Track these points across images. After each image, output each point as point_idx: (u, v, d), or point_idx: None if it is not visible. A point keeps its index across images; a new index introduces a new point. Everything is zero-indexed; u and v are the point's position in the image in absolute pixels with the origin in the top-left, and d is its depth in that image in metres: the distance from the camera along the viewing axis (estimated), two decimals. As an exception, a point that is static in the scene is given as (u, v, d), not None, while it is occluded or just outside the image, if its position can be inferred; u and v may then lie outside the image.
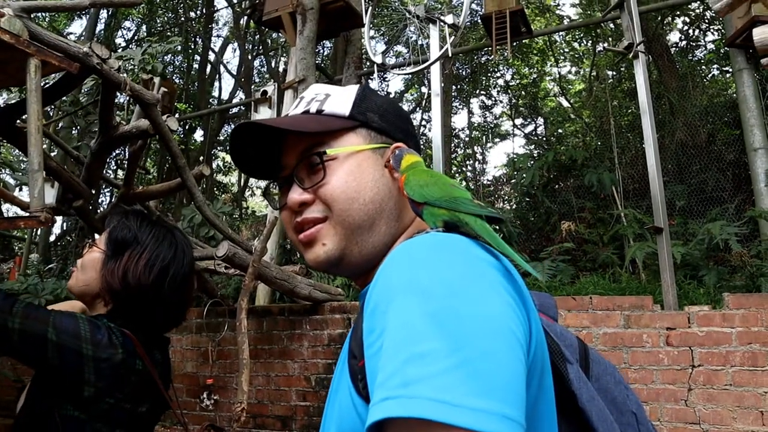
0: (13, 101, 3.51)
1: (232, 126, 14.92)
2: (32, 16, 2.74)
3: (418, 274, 0.63)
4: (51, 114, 6.46)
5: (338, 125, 0.90)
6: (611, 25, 10.32)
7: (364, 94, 0.95)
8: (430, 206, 0.79)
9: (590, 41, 12.67)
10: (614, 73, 11.61)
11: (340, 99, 0.94)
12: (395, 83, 18.05)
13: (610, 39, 11.18)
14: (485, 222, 0.75)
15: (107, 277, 1.56)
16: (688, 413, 3.81)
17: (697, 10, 9.85)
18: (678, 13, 10.17)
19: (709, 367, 3.79)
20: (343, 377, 0.78)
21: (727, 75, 9.78)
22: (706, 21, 9.99)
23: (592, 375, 0.89)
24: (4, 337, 1.36)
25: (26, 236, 10.16)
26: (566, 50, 13.93)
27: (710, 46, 10.47)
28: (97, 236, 1.71)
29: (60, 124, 6.30)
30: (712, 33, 10.28)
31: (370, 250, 0.88)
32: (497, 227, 7.41)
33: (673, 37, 11.51)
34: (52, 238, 11.49)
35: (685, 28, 10.62)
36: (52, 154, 7.10)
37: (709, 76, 10.34)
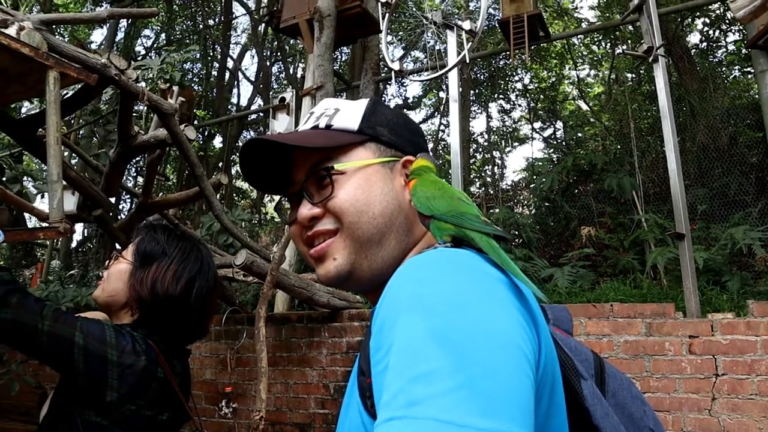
0: (33, 112, 3.56)
1: (251, 132, 15.06)
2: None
3: (424, 291, 0.63)
4: (72, 123, 6.55)
5: (347, 140, 0.90)
6: (630, 27, 10.22)
7: (374, 108, 0.95)
8: (437, 220, 0.79)
9: (609, 44, 12.55)
10: (633, 75, 11.49)
11: (349, 113, 0.94)
12: (413, 88, 18.04)
13: (629, 41, 11.08)
14: (491, 239, 0.75)
15: (136, 286, 1.60)
16: (712, 423, 3.73)
17: (718, 11, 9.71)
18: (698, 14, 10.04)
19: (733, 376, 3.71)
20: (353, 394, 0.78)
21: (749, 76, 9.63)
22: (727, 22, 9.84)
23: (608, 390, 0.88)
24: (34, 338, 1.39)
25: (48, 243, 10.32)
26: (585, 53, 13.82)
27: (731, 47, 10.32)
28: (118, 247, 1.74)
29: (81, 133, 6.39)
30: (733, 33, 10.14)
31: (379, 264, 0.87)
32: (516, 233, 7.37)
33: (693, 38, 11.37)
34: (73, 244, 11.65)
35: (706, 29, 10.48)
36: (73, 161, 7.20)
37: (731, 77, 10.18)
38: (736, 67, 10.18)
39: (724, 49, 10.45)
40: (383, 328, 0.63)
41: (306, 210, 0.89)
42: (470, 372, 0.54)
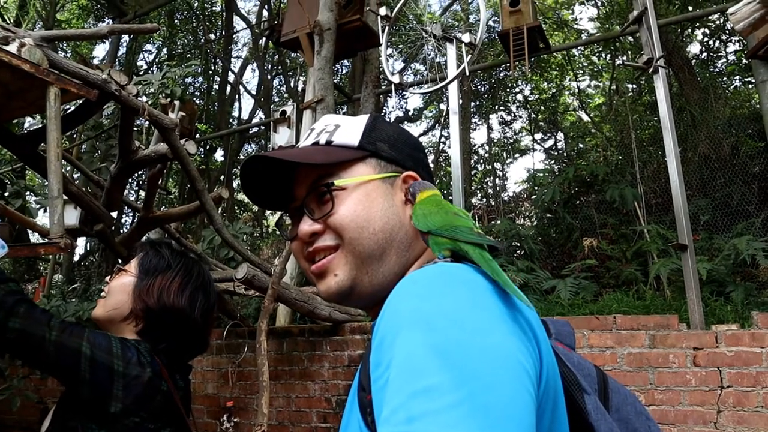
0: (35, 127, 3.57)
1: (252, 145, 15.08)
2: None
3: (423, 306, 0.62)
4: (75, 137, 6.57)
5: (347, 156, 0.91)
6: (630, 38, 10.25)
7: (374, 124, 0.96)
8: (434, 235, 0.80)
9: (609, 55, 12.59)
10: (634, 86, 11.51)
11: (349, 129, 0.94)
12: (414, 101, 18.14)
13: (629, 52, 11.11)
14: (485, 251, 0.75)
15: (143, 296, 1.61)
16: (717, 436, 3.70)
17: (718, 22, 9.75)
18: (698, 24, 10.08)
19: (738, 389, 3.68)
20: (353, 410, 0.78)
21: (750, 86, 9.64)
22: (727, 32, 9.88)
23: (612, 405, 0.88)
24: (41, 348, 1.40)
25: (50, 257, 10.31)
26: (585, 64, 13.86)
27: (732, 57, 10.35)
28: (120, 262, 1.74)
29: (83, 147, 6.41)
30: (734, 44, 10.17)
31: (380, 280, 0.87)
32: (518, 244, 7.35)
33: (694, 48, 11.40)
34: (75, 258, 11.65)
35: (706, 39, 10.52)
36: (75, 175, 7.21)
37: (732, 87, 10.20)
38: (737, 77, 10.19)
39: (725, 60, 10.48)
40: (383, 344, 0.62)
41: (307, 226, 0.89)
42: (470, 387, 0.53)
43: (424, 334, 0.58)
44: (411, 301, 0.64)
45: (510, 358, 0.58)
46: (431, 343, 0.57)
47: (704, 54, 10.60)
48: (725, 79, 10.21)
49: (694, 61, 10.22)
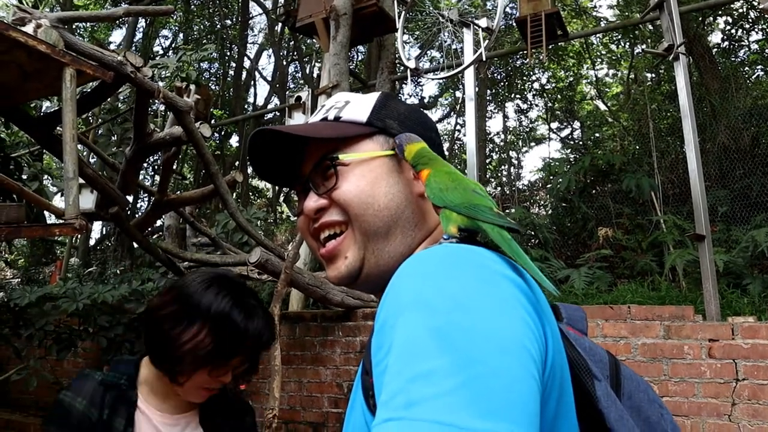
0: (51, 110, 3.59)
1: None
2: (74, 26, 2.81)
3: (426, 289, 0.61)
4: (91, 121, 6.61)
5: (354, 131, 0.89)
6: (650, 26, 10.10)
7: (385, 102, 0.94)
8: (448, 210, 0.78)
9: (628, 43, 12.43)
10: (653, 75, 11.37)
11: (359, 106, 0.92)
12: (430, 87, 18.06)
13: (648, 40, 10.96)
14: (504, 231, 0.73)
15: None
16: (731, 429, 3.66)
17: (741, 10, 9.57)
18: (720, 12, 9.90)
19: (754, 381, 3.63)
20: (358, 392, 0.77)
21: (773, 76, 9.48)
22: (750, 20, 9.69)
23: (624, 392, 0.86)
24: None
25: (67, 240, 10.43)
26: (603, 52, 13.70)
27: (754, 46, 10.17)
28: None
29: (99, 131, 6.45)
30: (756, 33, 9.98)
31: (386, 260, 0.85)
32: (533, 233, 7.31)
33: (715, 37, 11.21)
34: (91, 242, 11.78)
35: (728, 28, 10.33)
36: (92, 159, 7.27)
37: (753, 77, 10.03)
38: (759, 67, 10.02)
39: (747, 49, 10.30)
40: (385, 327, 0.61)
41: (312, 202, 0.87)
42: (472, 372, 0.52)
43: (425, 318, 0.57)
44: (413, 283, 0.63)
45: (514, 343, 0.57)
46: (432, 326, 0.56)
47: (726, 43, 10.41)
48: (747, 68, 10.04)
49: (715, 50, 10.05)
